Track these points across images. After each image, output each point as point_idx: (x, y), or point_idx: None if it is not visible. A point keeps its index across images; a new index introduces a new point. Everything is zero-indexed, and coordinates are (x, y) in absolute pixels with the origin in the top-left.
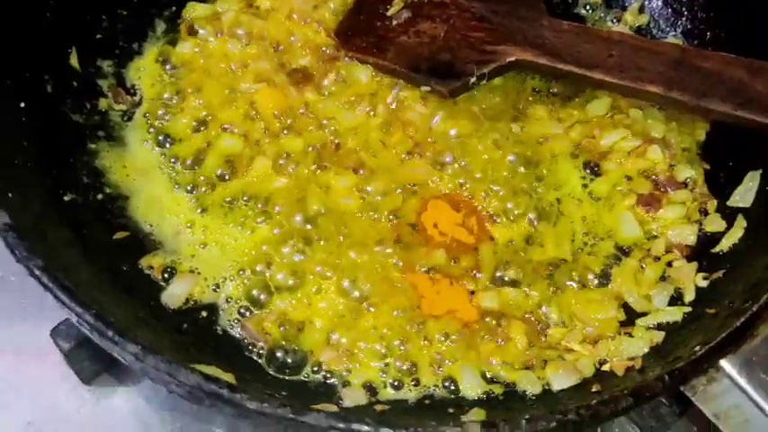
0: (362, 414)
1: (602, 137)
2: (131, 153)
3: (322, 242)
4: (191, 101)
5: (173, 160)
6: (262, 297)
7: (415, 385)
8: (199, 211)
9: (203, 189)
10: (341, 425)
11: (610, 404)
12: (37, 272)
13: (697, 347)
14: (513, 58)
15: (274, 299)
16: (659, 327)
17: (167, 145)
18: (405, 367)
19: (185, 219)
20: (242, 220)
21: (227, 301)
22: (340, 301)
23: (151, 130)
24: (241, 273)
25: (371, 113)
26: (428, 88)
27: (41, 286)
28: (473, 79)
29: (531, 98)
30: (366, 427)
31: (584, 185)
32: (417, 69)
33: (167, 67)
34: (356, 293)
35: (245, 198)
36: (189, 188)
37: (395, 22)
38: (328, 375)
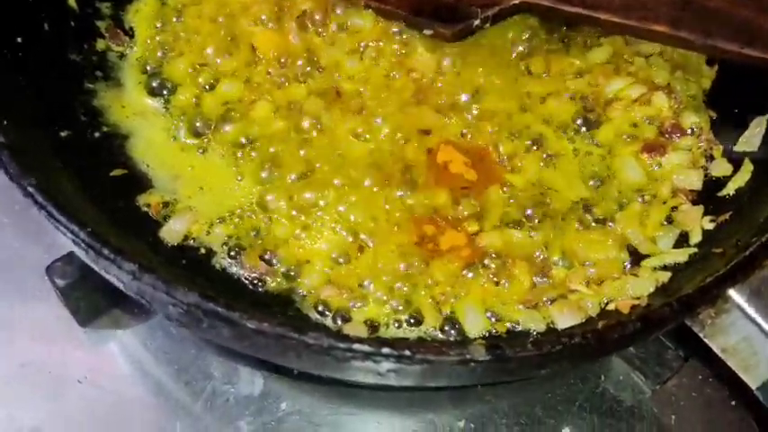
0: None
1: (607, 84)
2: (128, 94)
3: (324, 187)
4: (188, 45)
5: (170, 105)
6: (260, 239)
7: (417, 324)
8: (200, 152)
9: (202, 133)
10: (341, 344)
11: (616, 329)
12: (30, 189)
13: (706, 279)
14: (517, 0)
15: (272, 238)
16: (665, 268)
17: (164, 91)
18: (406, 306)
19: (184, 162)
20: (242, 163)
21: (225, 241)
22: (341, 238)
23: (147, 70)
24: (239, 214)
25: (376, 60)
26: (431, 32)
27: (35, 205)
28: (477, 22)
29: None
30: (367, 347)
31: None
32: (420, 12)
33: (165, 10)
34: (357, 232)
35: (245, 141)
36: (187, 132)
37: None
38: (329, 312)
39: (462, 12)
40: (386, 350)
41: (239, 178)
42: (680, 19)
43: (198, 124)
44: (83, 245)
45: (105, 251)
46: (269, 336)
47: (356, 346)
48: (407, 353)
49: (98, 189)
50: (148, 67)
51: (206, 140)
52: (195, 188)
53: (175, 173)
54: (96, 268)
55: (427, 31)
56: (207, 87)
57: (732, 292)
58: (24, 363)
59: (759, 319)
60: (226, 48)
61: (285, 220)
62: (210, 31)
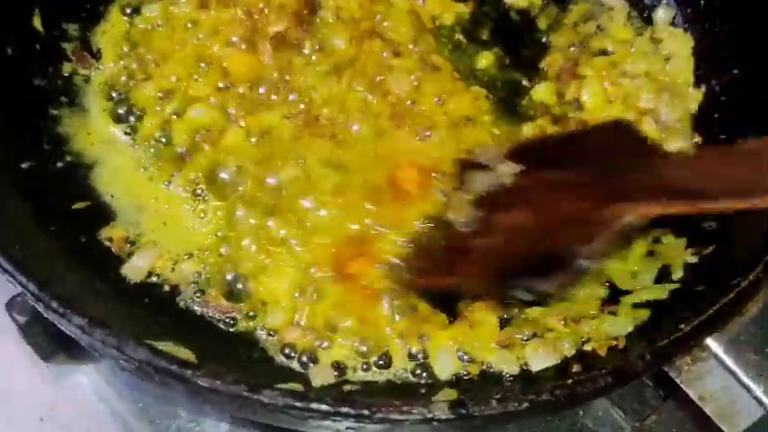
0: (327, 394)
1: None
2: (94, 121)
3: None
4: (156, 69)
5: (136, 133)
6: (226, 277)
7: (386, 367)
8: (165, 183)
9: (169, 163)
10: (298, 404)
11: (587, 384)
12: None
13: (683, 325)
14: (630, 217)
15: (237, 276)
16: (645, 305)
17: (130, 117)
18: (374, 347)
19: (149, 193)
20: (206, 198)
21: (190, 279)
22: (305, 277)
23: (113, 96)
24: (203, 250)
25: (351, 83)
26: (528, 296)
27: None
28: (584, 263)
29: None
30: (324, 407)
31: None
32: (511, 275)
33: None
34: (318, 273)
35: (212, 173)
36: (153, 161)
37: (467, 230)
38: (294, 354)
39: (564, 256)
40: (344, 410)
41: (202, 216)
42: None
43: (164, 153)
44: (31, 298)
45: (53, 304)
46: (222, 394)
47: (313, 405)
48: (366, 413)
49: (59, 225)
50: (114, 93)
51: (171, 173)
52: (159, 222)
53: (140, 204)
54: (47, 317)
55: (525, 296)
56: (175, 115)
57: (709, 341)
58: None
59: (736, 370)
60: (196, 71)
61: (249, 259)
62: (179, 54)
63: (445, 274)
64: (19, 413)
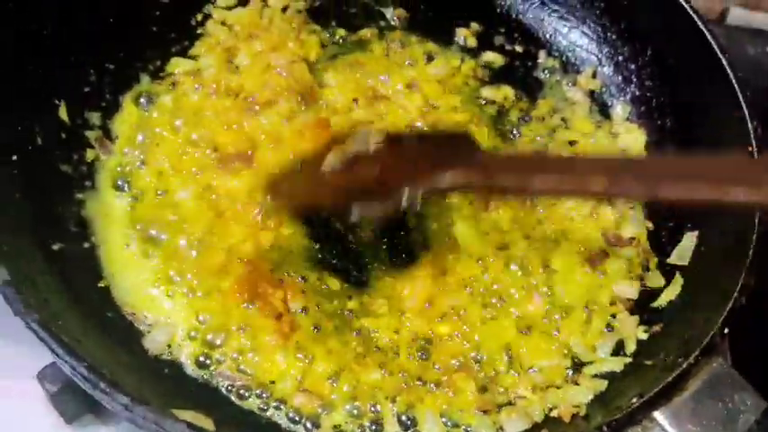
0: None
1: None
2: (105, 204)
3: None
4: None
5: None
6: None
7: (380, 430)
8: (153, 260)
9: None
10: None
11: None
12: (34, 326)
13: (634, 399)
14: (448, 181)
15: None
16: (603, 376)
17: (130, 198)
18: (370, 414)
19: (143, 271)
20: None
21: (196, 354)
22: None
23: (119, 182)
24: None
25: None
26: (355, 216)
27: (39, 339)
28: (404, 200)
29: None
30: None
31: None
32: (347, 202)
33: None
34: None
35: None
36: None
37: (324, 171)
38: (299, 419)
39: (389, 197)
40: None
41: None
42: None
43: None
44: (79, 378)
45: (102, 385)
46: None
47: None
48: None
49: (88, 301)
50: (120, 180)
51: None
52: (162, 301)
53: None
54: (92, 394)
55: (353, 217)
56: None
57: (656, 414)
58: None
59: None
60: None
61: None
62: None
63: (306, 191)
64: None
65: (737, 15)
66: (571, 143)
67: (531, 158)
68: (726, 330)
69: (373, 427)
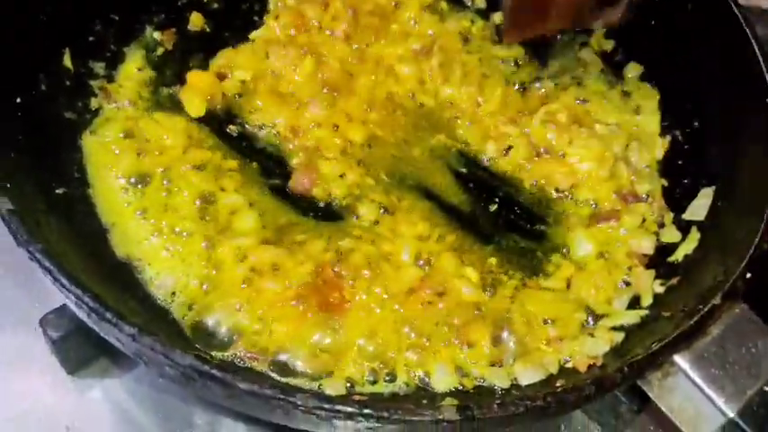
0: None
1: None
2: (107, 152)
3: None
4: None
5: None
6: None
7: (392, 381)
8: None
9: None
10: (326, 405)
11: (574, 392)
12: (38, 255)
13: (654, 344)
14: None
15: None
16: (619, 328)
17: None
18: (380, 365)
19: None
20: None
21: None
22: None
23: (122, 133)
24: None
25: None
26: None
27: (42, 269)
28: None
29: None
30: (349, 408)
31: None
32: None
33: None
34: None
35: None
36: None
37: None
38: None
39: None
40: (366, 411)
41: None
42: None
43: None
44: (86, 308)
45: (108, 315)
46: (259, 397)
47: (339, 407)
48: (385, 414)
49: (91, 245)
50: (122, 132)
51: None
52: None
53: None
54: (96, 329)
55: (597, 24)
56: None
57: (677, 358)
58: (11, 412)
59: (700, 383)
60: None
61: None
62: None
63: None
64: (46, 424)
65: None
66: (584, 101)
67: None
68: (748, 275)
69: (387, 378)
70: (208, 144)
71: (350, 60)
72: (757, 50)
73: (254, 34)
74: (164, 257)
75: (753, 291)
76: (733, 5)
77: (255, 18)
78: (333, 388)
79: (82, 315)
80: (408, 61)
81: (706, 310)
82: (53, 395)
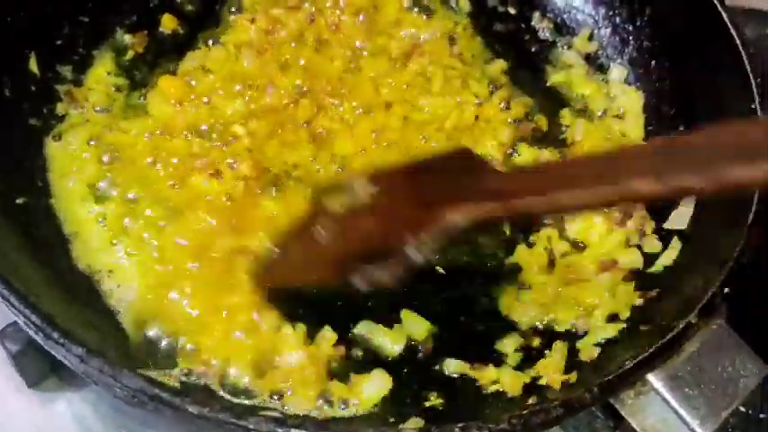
0: (306, 419)
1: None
2: (72, 160)
3: None
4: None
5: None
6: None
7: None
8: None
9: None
10: (280, 429)
11: (540, 414)
12: None
13: (627, 362)
14: (459, 216)
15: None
16: (595, 343)
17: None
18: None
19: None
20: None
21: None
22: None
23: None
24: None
25: None
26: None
27: None
28: (414, 255)
29: None
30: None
31: None
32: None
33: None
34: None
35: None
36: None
37: (317, 238)
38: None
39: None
40: None
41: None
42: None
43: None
44: (32, 328)
45: (54, 335)
46: (211, 420)
47: (293, 430)
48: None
49: (51, 257)
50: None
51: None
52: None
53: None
54: (46, 347)
55: (362, 286)
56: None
57: (650, 377)
58: None
59: (674, 404)
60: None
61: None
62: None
63: (299, 272)
64: None
65: None
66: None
67: (555, 168)
68: (726, 290)
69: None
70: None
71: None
72: (743, 54)
73: (224, 38)
74: (123, 269)
75: (732, 306)
76: (719, 7)
77: (231, 20)
78: (297, 405)
79: (31, 333)
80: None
81: (681, 327)
82: (14, 407)
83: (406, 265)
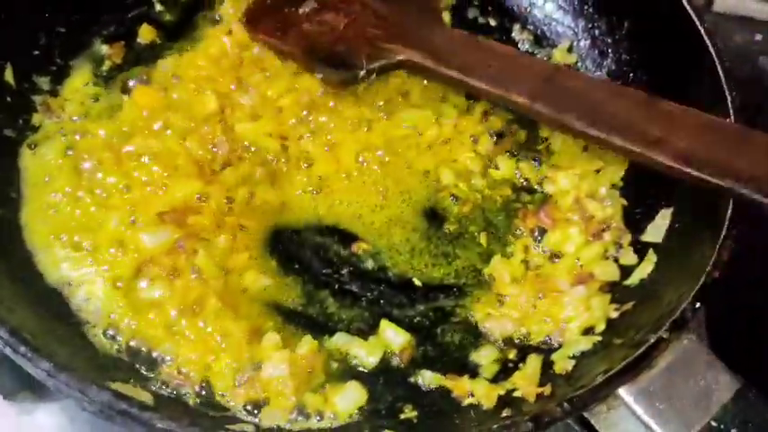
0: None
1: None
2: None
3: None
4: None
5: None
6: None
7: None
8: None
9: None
10: None
11: (511, 428)
12: None
13: (598, 377)
14: (401, 57)
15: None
16: (570, 356)
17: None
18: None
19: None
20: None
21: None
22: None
23: (69, 153)
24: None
25: None
26: (321, 75)
27: None
28: (362, 72)
29: None
30: None
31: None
32: (312, 55)
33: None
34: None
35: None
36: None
37: (301, 11)
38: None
39: (351, 61)
40: None
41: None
42: (538, 93)
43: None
44: (1, 341)
45: (22, 349)
46: None
47: None
48: None
49: (26, 271)
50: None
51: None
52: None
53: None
54: (15, 360)
55: (318, 75)
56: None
57: (621, 391)
58: None
59: (645, 417)
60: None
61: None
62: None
63: (275, 31)
64: None
65: (725, 2)
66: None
67: (483, 48)
68: (698, 305)
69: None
70: None
71: None
72: (720, 68)
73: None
74: (92, 282)
75: (705, 321)
76: (697, 21)
77: (209, 30)
78: (270, 418)
79: (0, 346)
80: None
81: (653, 341)
82: None
83: (351, 79)
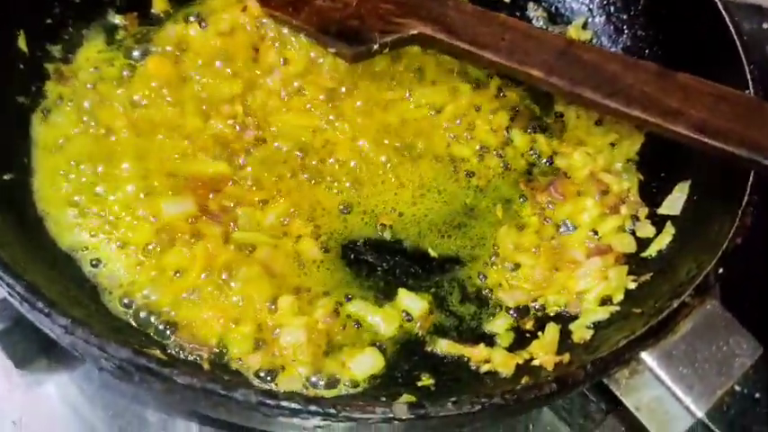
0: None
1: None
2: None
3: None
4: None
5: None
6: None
7: (353, 387)
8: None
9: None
10: (269, 401)
11: (533, 390)
12: None
13: (620, 342)
14: (414, 31)
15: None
16: (588, 326)
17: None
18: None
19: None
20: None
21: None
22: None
23: (84, 119)
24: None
25: None
26: (334, 50)
27: None
28: (375, 46)
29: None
30: (294, 404)
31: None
32: (326, 31)
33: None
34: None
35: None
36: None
37: None
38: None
39: (364, 35)
40: (312, 407)
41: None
42: (553, 67)
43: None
44: (18, 297)
45: (39, 304)
46: (199, 391)
47: (284, 403)
48: (332, 411)
49: (38, 234)
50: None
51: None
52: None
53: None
54: (30, 318)
55: (331, 49)
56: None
57: (644, 355)
58: None
59: (668, 382)
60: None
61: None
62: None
63: (287, 6)
64: None
65: None
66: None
67: (496, 22)
68: (720, 270)
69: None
70: None
71: None
72: (738, 42)
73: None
74: (106, 248)
75: (725, 287)
76: None
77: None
78: (285, 383)
79: (16, 304)
80: None
81: (676, 306)
82: (1, 388)
83: (365, 54)
